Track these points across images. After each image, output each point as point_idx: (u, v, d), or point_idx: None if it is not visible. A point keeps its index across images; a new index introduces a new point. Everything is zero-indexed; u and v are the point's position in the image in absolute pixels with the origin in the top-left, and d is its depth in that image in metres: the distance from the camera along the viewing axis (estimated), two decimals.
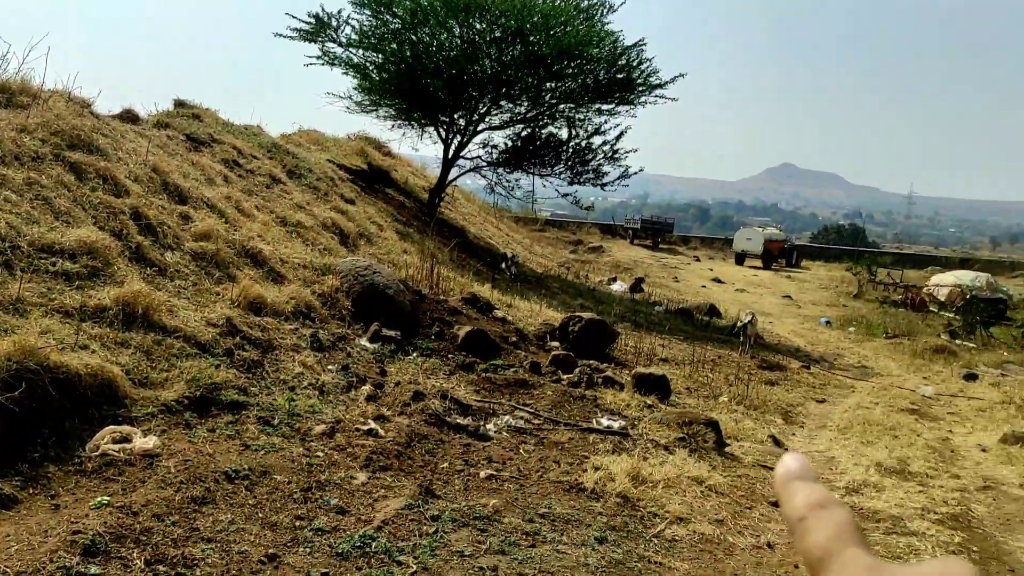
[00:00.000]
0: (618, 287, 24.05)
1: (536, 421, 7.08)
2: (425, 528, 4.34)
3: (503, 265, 18.89)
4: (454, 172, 21.40)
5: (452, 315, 10.01)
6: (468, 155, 21.20)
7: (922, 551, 5.08)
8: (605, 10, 19.04)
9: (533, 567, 4.07)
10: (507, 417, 7.06)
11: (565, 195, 20.44)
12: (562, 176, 20.31)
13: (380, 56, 19.03)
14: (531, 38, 18.16)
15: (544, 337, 11.14)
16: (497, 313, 11.07)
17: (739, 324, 15.10)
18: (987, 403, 12.35)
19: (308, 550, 3.92)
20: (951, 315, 25.88)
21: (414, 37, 18.52)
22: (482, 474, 5.50)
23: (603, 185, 20.03)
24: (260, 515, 4.21)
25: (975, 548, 5.40)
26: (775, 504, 5.97)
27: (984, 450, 8.84)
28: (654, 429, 7.15)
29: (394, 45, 18.63)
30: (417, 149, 21.73)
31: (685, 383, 10.39)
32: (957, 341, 21.13)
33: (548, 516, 4.84)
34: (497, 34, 18.25)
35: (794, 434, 8.88)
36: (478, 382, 8.02)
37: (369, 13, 18.68)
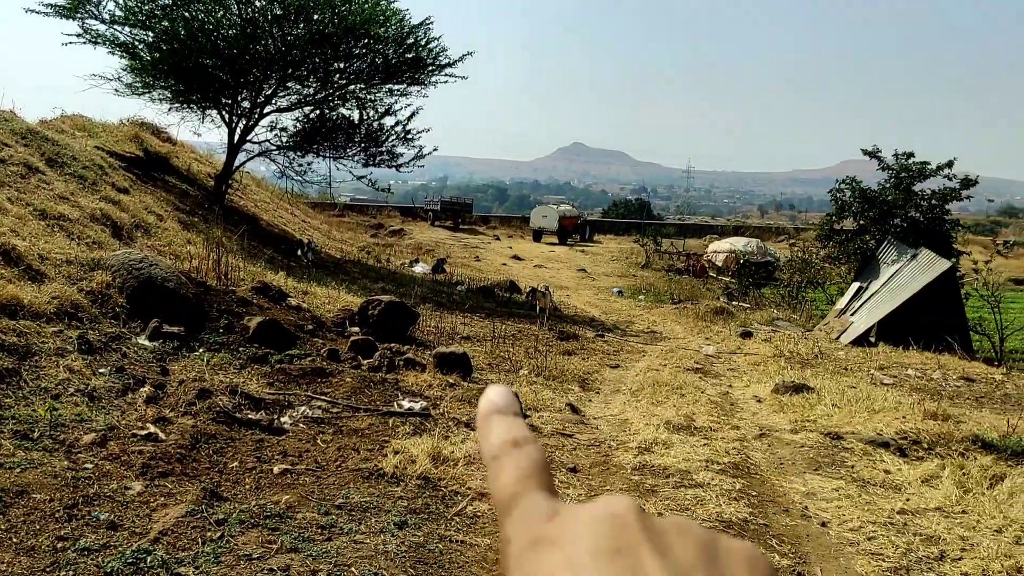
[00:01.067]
0: (420, 269, 24.00)
1: (335, 409, 6.85)
2: (209, 534, 4.04)
3: (299, 252, 18.26)
4: (242, 157, 20.34)
5: (242, 306, 9.50)
6: (256, 139, 20.22)
7: (707, 500, 5.38)
8: None
9: (328, 561, 3.89)
10: (304, 408, 6.78)
11: (360, 177, 20.03)
12: (356, 159, 19.87)
13: (150, 34, 17.66)
14: (315, 16, 17.53)
15: (343, 323, 10.84)
16: (291, 301, 10.64)
17: (533, 291, 15.51)
18: (761, 357, 13.41)
19: (71, 573, 3.52)
20: (728, 279, 28.00)
21: (187, 14, 17.32)
22: (275, 470, 5.22)
23: (398, 166, 19.81)
24: (14, 540, 3.74)
25: (754, 492, 5.80)
26: (573, 470, 6.14)
27: (759, 401, 9.57)
28: (456, 407, 7.13)
29: (165, 22, 17.34)
30: (199, 134, 20.39)
31: (487, 359, 10.48)
32: (734, 302, 22.89)
33: (345, 507, 4.67)
34: (278, 11, 17.46)
35: (591, 400, 9.19)
36: (272, 374, 7.65)
37: None
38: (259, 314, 9.17)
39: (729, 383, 11.19)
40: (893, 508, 5.59)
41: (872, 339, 16.18)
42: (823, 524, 5.26)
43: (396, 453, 5.57)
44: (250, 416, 6.28)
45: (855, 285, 17.72)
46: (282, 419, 6.42)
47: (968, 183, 19.59)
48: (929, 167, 19.90)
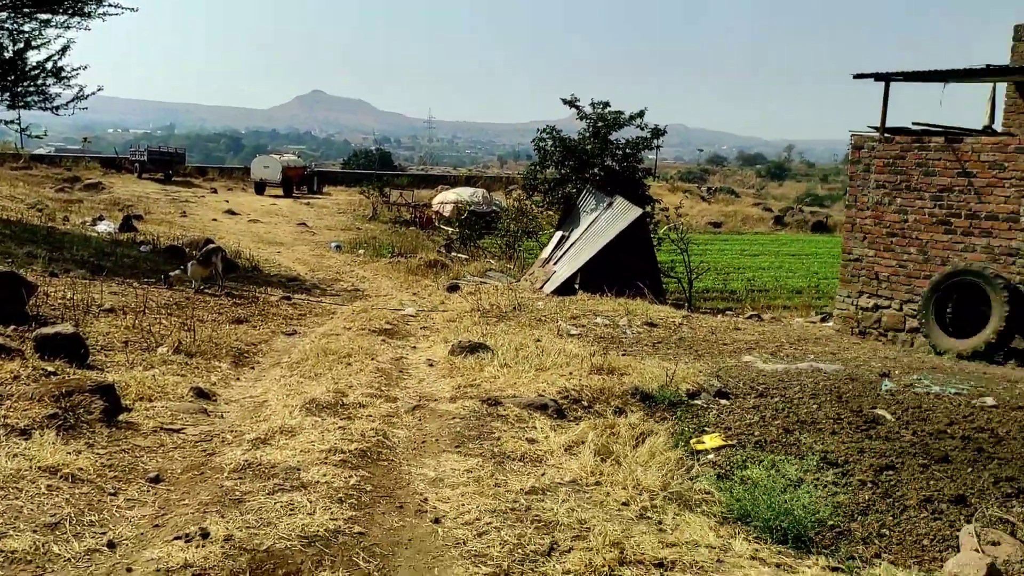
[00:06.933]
0: (104, 227, 21.18)
1: None
2: None
3: None
4: None
5: None
6: None
7: (301, 508, 4.43)
8: None
9: None
10: None
11: (9, 122, 16.98)
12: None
13: None
14: None
15: None
16: None
17: (187, 265, 13.69)
18: (458, 313, 12.80)
19: None
20: (451, 230, 27.63)
21: None
22: None
23: (54, 108, 16.99)
24: None
25: (370, 487, 4.94)
26: (155, 480, 4.96)
27: (432, 365, 8.84)
28: (19, 408, 5.63)
29: None
30: None
31: (125, 335, 8.87)
32: (452, 254, 22.47)
33: None
34: None
35: (239, 379, 7.98)
36: None
37: None
38: None
39: (414, 345, 10.45)
40: (523, 488, 4.98)
41: (576, 287, 16.29)
42: (436, 520, 4.51)
43: None
44: None
45: (558, 234, 17.79)
46: None
47: (658, 132, 20.35)
48: (623, 116, 20.37)
